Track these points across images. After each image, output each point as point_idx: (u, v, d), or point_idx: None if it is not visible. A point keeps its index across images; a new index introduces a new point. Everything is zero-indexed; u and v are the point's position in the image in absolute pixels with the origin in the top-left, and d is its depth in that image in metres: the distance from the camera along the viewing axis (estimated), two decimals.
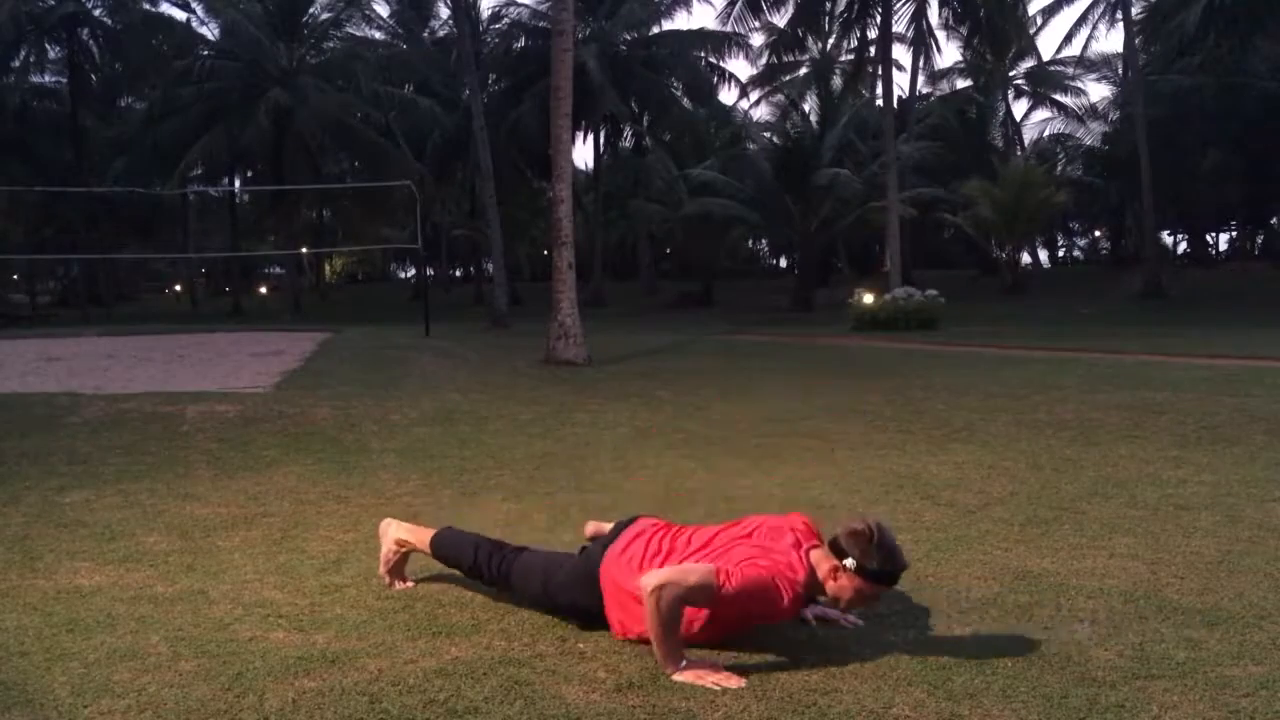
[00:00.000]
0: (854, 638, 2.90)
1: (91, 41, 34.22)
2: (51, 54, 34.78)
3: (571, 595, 3.01)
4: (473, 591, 3.36)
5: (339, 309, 33.35)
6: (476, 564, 3.26)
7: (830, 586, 2.75)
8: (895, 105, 27.59)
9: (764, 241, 55.79)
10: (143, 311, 36.39)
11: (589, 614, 2.98)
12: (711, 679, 2.57)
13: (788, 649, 2.80)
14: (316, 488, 5.14)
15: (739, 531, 2.93)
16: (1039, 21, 38.22)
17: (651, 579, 2.67)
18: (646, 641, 2.75)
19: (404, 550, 3.46)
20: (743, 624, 2.81)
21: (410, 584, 3.45)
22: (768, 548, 2.81)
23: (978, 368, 10.86)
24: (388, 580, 3.45)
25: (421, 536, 3.43)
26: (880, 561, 2.69)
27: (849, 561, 2.70)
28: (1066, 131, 41.97)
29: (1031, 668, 2.64)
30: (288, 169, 31.32)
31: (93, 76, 35.04)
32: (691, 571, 2.69)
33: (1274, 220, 43.87)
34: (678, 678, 2.59)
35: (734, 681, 2.56)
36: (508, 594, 3.22)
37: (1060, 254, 55.67)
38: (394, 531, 3.48)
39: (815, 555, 2.80)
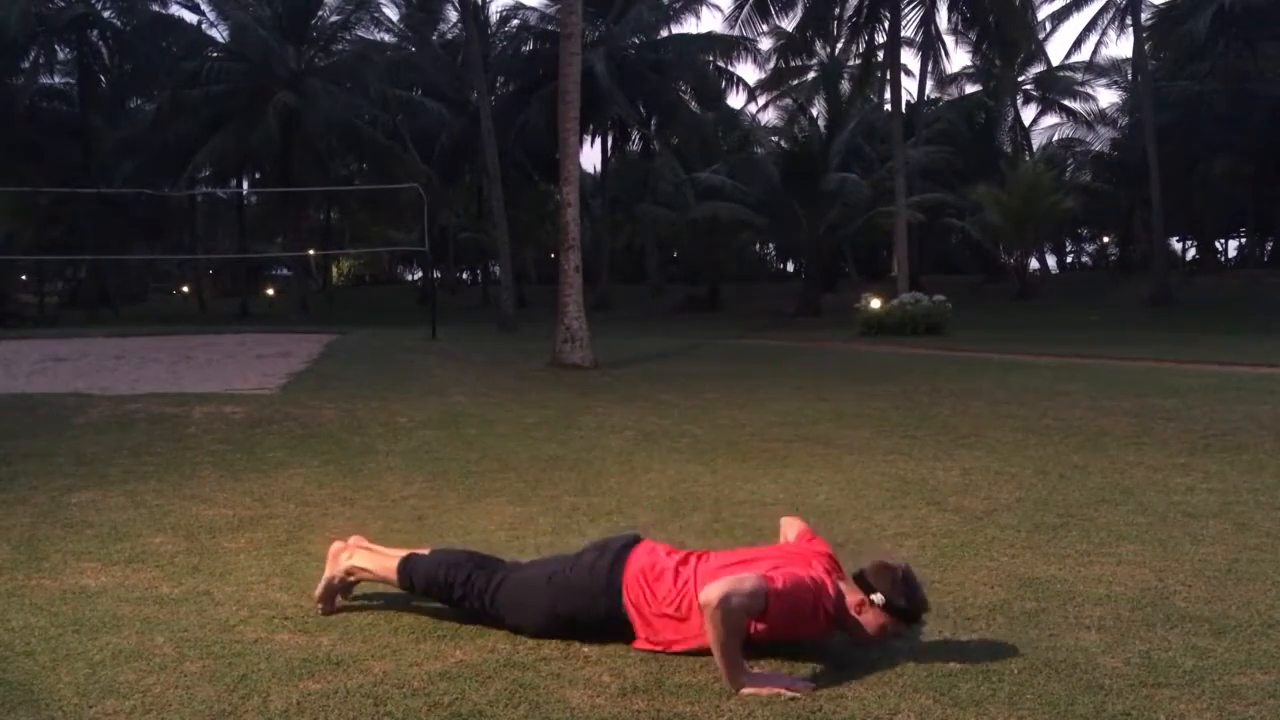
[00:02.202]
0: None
1: (101, 43, 34.37)
2: (61, 55, 34.95)
3: (584, 604, 2.89)
4: None
5: (346, 311, 33.41)
6: (463, 596, 3.03)
7: (855, 617, 2.75)
8: (903, 110, 27.62)
9: (771, 246, 55.85)
10: (150, 312, 36.49)
11: (598, 624, 2.89)
12: (783, 692, 2.52)
13: (792, 656, 2.79)
14: (322, 490, 5.15)
15: (764, 551, 2.92)
16: (1048, 27, 38.18)
17: (713, 591, 2.58)
18: (671, 651, 2.75)
19: (354, 579, 3.22)
20: (790, 631, 2.75)
21: (348, 599, 3.26)
22: (801, 567, 2.80)
23: (985, 373, 10.84)
24: (322, 603, 3.18)
25: (385, 569, 3.18)
26: (908, 599, 2.70)
27: (877, 596, 2.70)
28: (1075, 137, 41.98)
29: (1038, 675, 2.63)
30: (296, 171, 31.40)
31: (102, 78, 35.18)
32: (745, 579, 2.63)
33: None
34: (746, 692, 2.53)
35: (806, 691, 2.53)
36: (498, 622, 3.01)
37: (1068, 260, 55.64)
38: (353, 560, 3.21)
39: (843, 586, 2.79)
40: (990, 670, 2.65)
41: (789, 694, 2.51)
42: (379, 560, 3.21)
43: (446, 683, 2.60)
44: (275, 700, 2.50)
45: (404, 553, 3.23)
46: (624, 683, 2.61)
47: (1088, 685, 2.56)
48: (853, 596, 2.76)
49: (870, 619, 2.73)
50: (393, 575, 3.16)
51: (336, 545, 3.29)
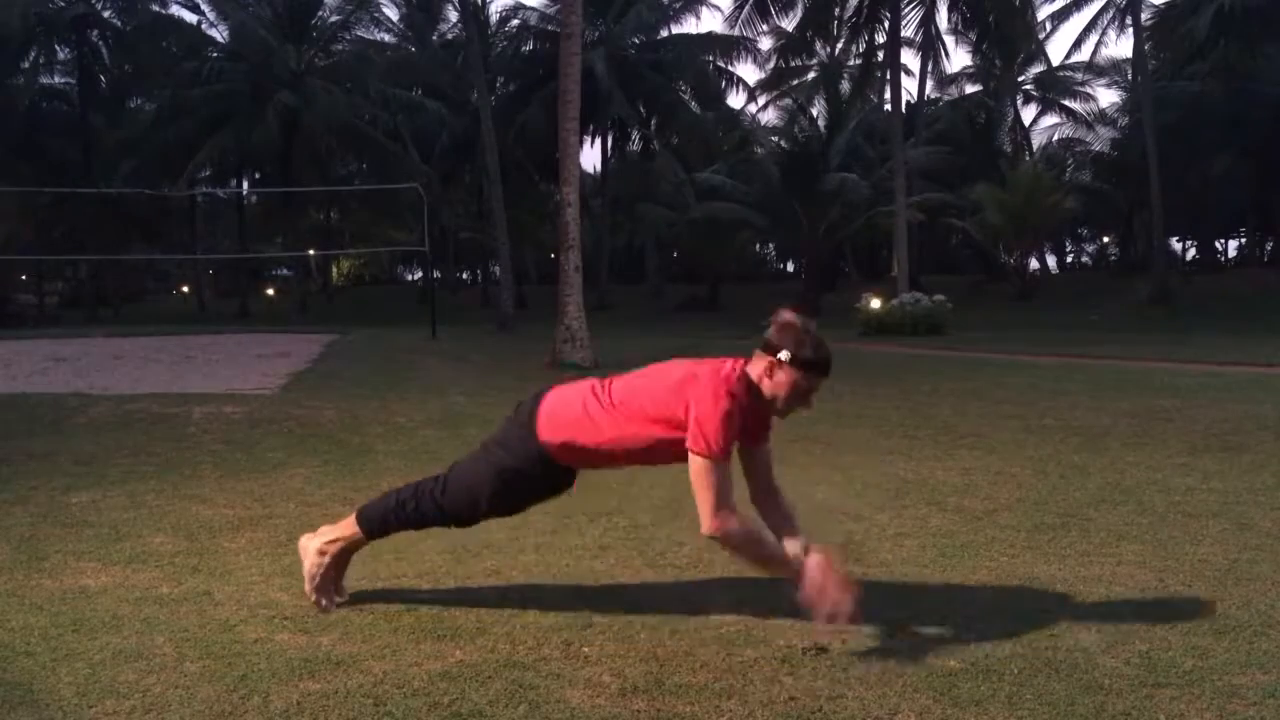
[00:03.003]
0: (860, 644, 2.88)
1: (101, 43, 34.41)
2: (61, 55, 35.00)
3: (517, 449, 2.98)
4: (477, 594, 3.36)
5: (346, 311, 33.42)
6: (417, 507, 3.08)
7: (767, 385, 2.77)
8: (903, 110, 27.63)
9: (771, 246, 55.85)
10: (150, 313, 36.52)
11: (538, 469, 2.97)
12: (833, 584, 2.66)
13: (792, 656, 2.79)
14: (322, 490, 5.15)
15: (659, 375, 2.95)
16: (1048, 27, 38.21)
17: (705, 526, 2.72)
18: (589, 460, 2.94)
19: (330, 557, 3.17)
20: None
21: (346, 598, 3.24)
22: (697, 363, 2.87)
23: (985, 373, 10.84)
24: (318, 600, 3.16)
25: (346, 527, 3.20)
26: (814, 350, 2.73)
27: (784, 354, 2.72)
28: (1075, 137, 42.00)
29: (1038, 675, 2.63)
30: (296, 171, 31.43)
31: (102, 78, 35.22)
32: (700, 488, 2.72)
33: None
34: (808, 582, 2.68)
35: (846, 615, 2.66)
36: (456, 519, 3.12)
37: (1069, 260, 55.63)
38: (315, 543, 3.19)
39: (749, 363, 2.83)
40: (990, 670, 2.65)
41: (835, 615, 2.64)
42: (341, 525, 3.23)
43: (446, 683, 2.60)
44: (275, 700, 2.50)
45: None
46: (624, 683, 2.61)
47: (1088, 685, 2.56)
48: (760, 363, 2.78)
49: (781, 380, 2.75)
50: (355, 528, 3.17)
51: (304, 539, 3.28)
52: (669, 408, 2.80)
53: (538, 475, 3.01)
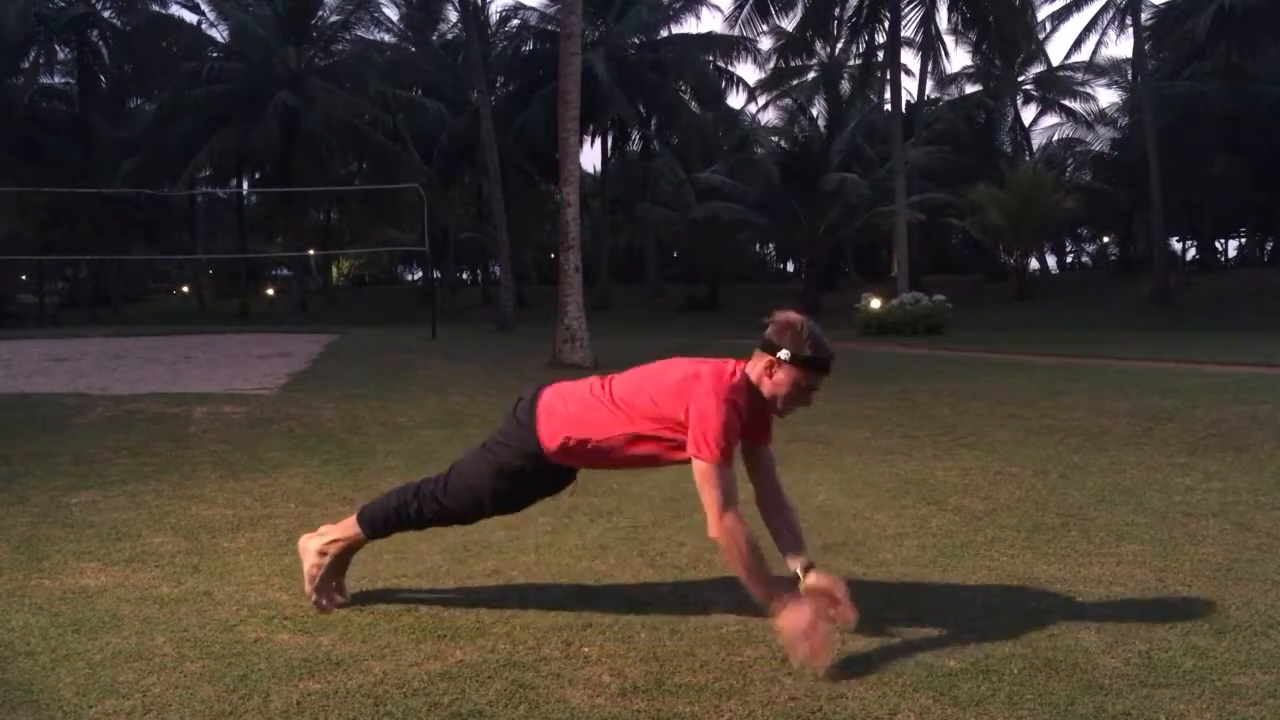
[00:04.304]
0: (859, 644, 2.88)
1: (101, 43, 34.41)
2: (61, 55, 35.01)
3: (517, 445, 2.98)
4: (477, 594, 3.36)
5: (346, 311, 33.43)
6: (420, 508, 3.08)
7: (767, 385, 2.78)
8: (903, 110, 27.61)
9: (771, 246, 55.81)
10: (150, 312, 36.53)
11: (537, 464, 2.97)
12: (816, 638, 2.56)
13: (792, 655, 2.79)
14: (322, 490, 5.15)
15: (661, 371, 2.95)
16: (1048, 27, 38.18)
17: (712, 528, 2.70)
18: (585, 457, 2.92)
19: (330, 557, 3.17)
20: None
21: (347, 598, 3.24)
22: (698, 363, 2.87)
23: (985, 373, 10.84)
24: (319, 600, 3.16)
25: (347, 527, 3.19)
26: (814, 348, 2.74)
27: (783, 353, 2.73)
28: (1075, 137, 41.98)
29: (1038, 675, 2.63)
30: (295, 171, 31.40)
31: (102, 78, 35.22)
32: (707, 490, 2.71)
33: None
34: (780, 622, 2.60)
35: (826, 655, 2.57)
36: (457, 518, 3.14)
37: (1069, 260, 55.62)
38: (316, 543, 3.19)
39: (749, 364, 2.83)
40: (990, 670, 2.65)
41: (814, 652, 2.56)
42: (342, 525, 3.23)
43: (446, 683, 2.60)
44: (275, 700, 2.50)
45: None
46: (624, 683, 2.61)
47: (1088, 685, 2.56)
48: (760, 362, 2.79)
49: (780, 379, 2.76)
50: (355, 528, 3.18)
51: (304, 539, 3.28)
52: (670, 409, 2.80)
53: (538, 472, 3.01)
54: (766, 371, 2.77)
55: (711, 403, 2.71)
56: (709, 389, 2.74)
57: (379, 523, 3.17)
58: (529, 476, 3.02)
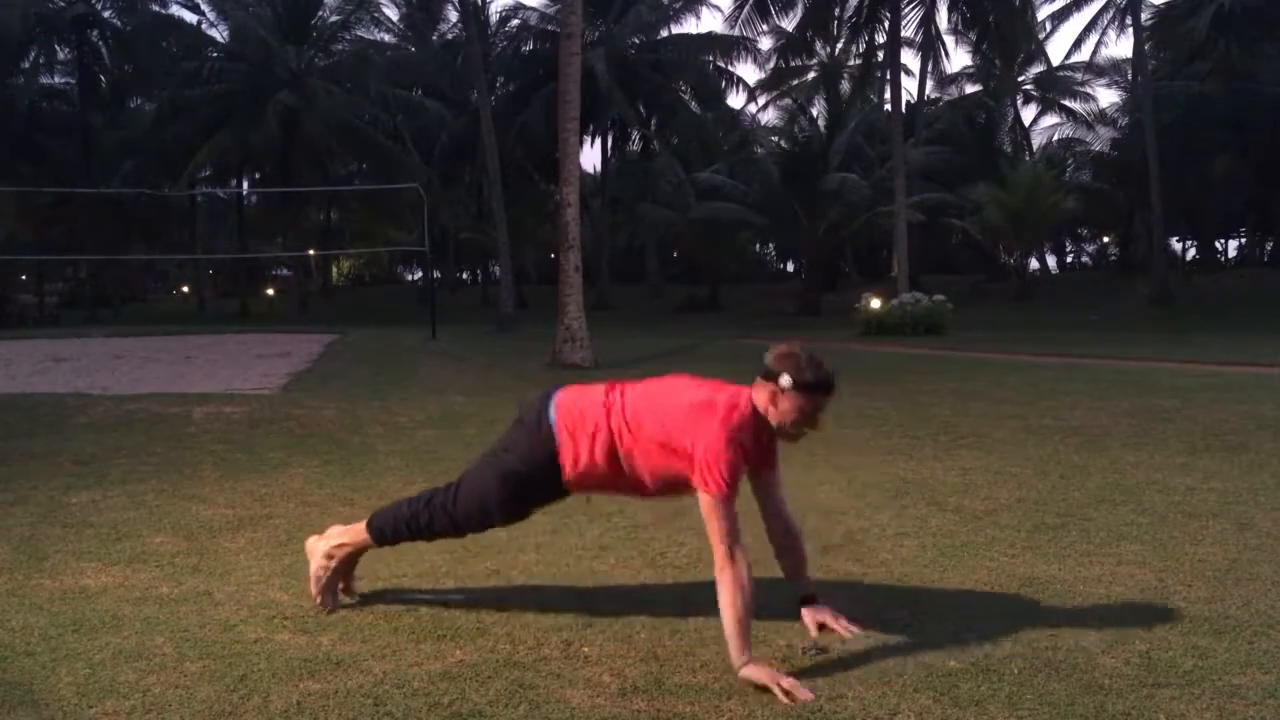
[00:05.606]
0: (860, 644, 2.88)
1: (101, 43, 34.37)
2: (61, 55, 34.97)
3: (525, 454, 2.97)
4: (477, 594, 3.36)
5: (346, 311, 33.39)
6: (430, 520, 3.08)
7: (773, 414, 2.78)
8: (903, 110, 27.60)
9: (771, 246, 55.84)
10: (150, 313, 36.51)
11: (546, 475, 2.96)
12: (784, 683, 2.52)
13: (792, 655, 2.80)
14: (322, 489, 5.15)
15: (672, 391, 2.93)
16: (1048, 27, 38.18)
17: (717, 561, 2.68)
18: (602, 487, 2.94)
19: (337, 561, 3.18)
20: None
21: (354, 599, 3.26)
22: (712, 389, 2.87)
23: (985, 373, 10.84)
24: (322, 602, 3.18)
25: (356, 533, 3.19)
26: (815, 374, 2.74)
27: (784, 379, 2.73)
28: (1075, 137, 41.94)
29: (1038, 675, 2.63)
30: (296, 171, 31.42)
31: (102, 78, 35.18)
32: (712, 521, 2.70)
33: None
34: (747, 672, 2.56)
35: (803, 694, 2.50)
36: (468, 529, 3.12)
37: (1069, 260, 55.62)
38: (324, 545, 3.20)
39: (753, 392, 2.83)
40: (990, 670, 2.65)
41: (785, 693, 2.49)
42: (351, 530, 3.23)
43: (446, 683, 2.60)
44: (275, 700, 2.50)
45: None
46: (624, 683, 2.61)
47: (1088, 685, 2.56)
48: (764, 391, 2.78)
49: (785, 406, 2.76)
50: (364, 534, 3.18)
51: (311, 540, 3.28)
52: (679, 437, 2.79)
53: (545, 479, 2.99)
54: (771, 400, 2.78)
55: (718, 437, 2.72)
56: (719, 422, 2.75)
57: (389, 532, 3.17)
58: (535, 484, 3.01)
